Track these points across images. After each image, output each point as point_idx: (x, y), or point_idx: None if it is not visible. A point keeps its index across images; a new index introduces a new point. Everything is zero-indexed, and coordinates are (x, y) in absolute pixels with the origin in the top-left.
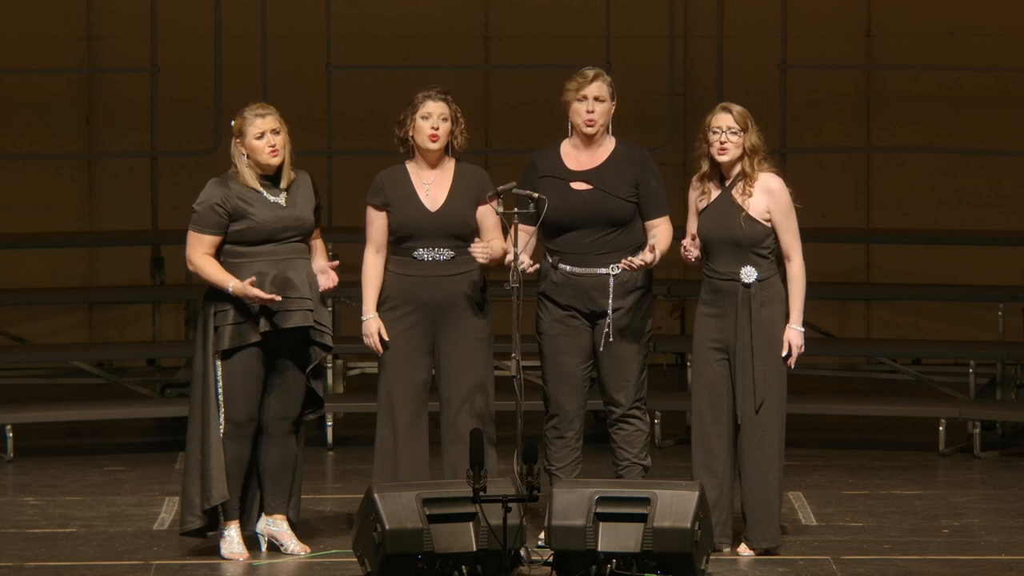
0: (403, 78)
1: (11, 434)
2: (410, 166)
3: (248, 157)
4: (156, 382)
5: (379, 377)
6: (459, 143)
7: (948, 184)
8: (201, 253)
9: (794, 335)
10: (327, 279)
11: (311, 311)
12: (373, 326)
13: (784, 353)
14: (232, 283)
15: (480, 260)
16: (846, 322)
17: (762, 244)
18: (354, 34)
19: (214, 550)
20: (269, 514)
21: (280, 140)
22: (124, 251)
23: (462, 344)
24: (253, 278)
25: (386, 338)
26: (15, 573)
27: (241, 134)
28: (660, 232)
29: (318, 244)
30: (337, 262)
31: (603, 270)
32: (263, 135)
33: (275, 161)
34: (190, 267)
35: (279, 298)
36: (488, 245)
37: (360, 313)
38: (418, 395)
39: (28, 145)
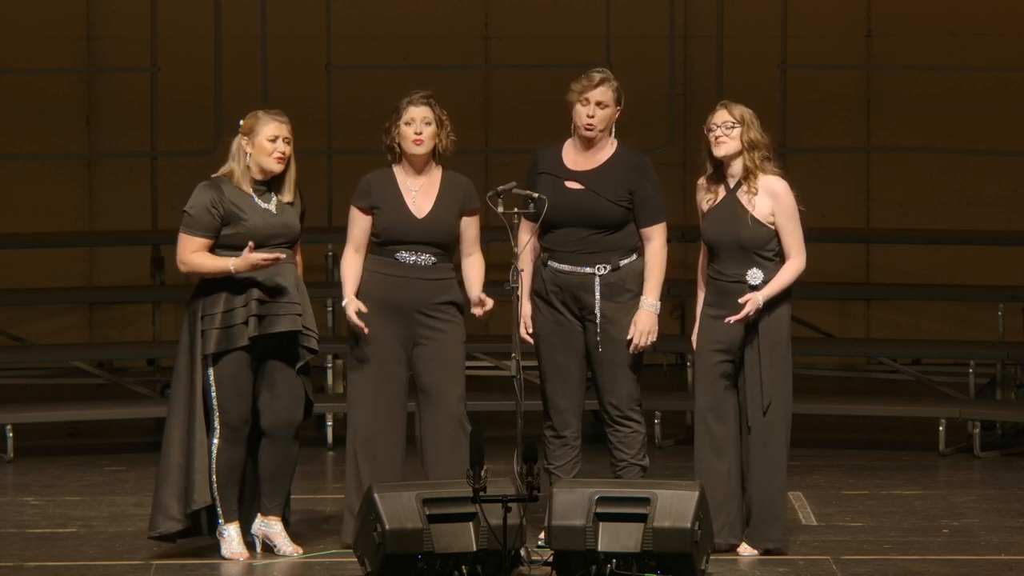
0: (403, 78)
1: (11, 434)
2: (397, 170)
3: (250, 157)
4: (156, 382)
5: (351, 377)
6: (444, 146)
7: (948, 184)
8: (191, 251)
9: (753, 298)
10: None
11: (299, 315)
12: (352, 308)
13: (741, 301)
14: (232, 263)
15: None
16: (846, 322)
17: (767, 247)
18: (354, 34)
19: (214, 550)
20: (264, 515)
21: (289, 151)
22: (124, 251)
23: (439, 346)
24: (251, 243)
25: (364, 310)
26: (15, 573)
27: (252, 132)
28: (649, 281)
29: (297, 260)
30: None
31: (589, 269)
32: (276, 139)
33: (277, 168)
34: (182, 267)
35: (282, 256)
36: (485, 308)
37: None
38: (395, 395)
39: (28, 145)
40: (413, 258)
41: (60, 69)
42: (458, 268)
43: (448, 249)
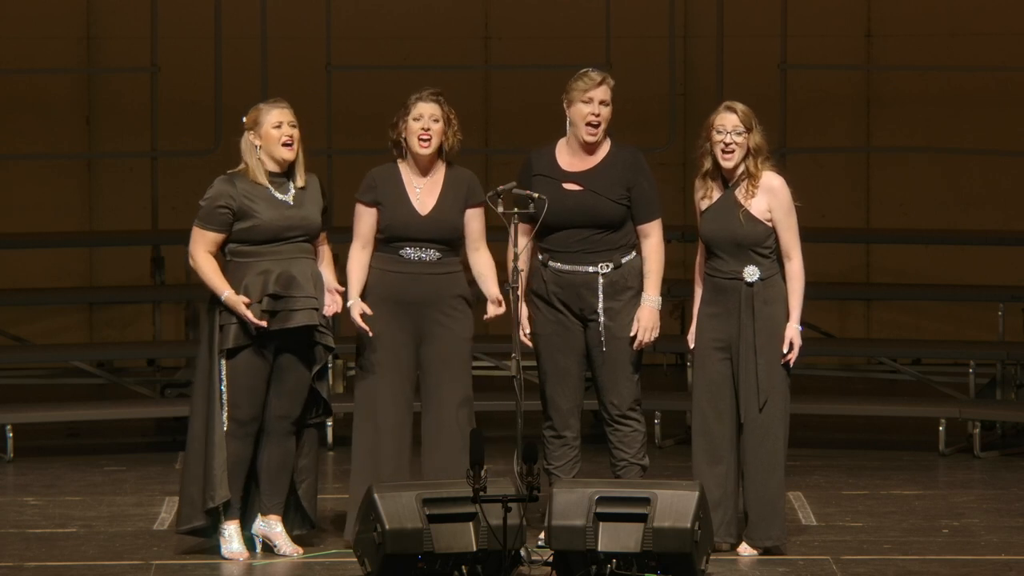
0: (403, 78)
1: (11, 434)
2: (402, 166)
3: (261, 149)
4: (156, 382)
5: (358, 375)
6: (450, 144)
7: (948, 184)
8: (203, 251)
9: (795, 333)
10: (332, 303)
11: (316, 310)
12: (356, 310)
13: (785, 349)
14: (226, 292)
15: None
16: (846, 322)
17: (764, 243)
18: (354, 34)
19: (214, 550)
20: (264, 514)
21: (296, 134)
22: (124, 251)
23: (446, 343)
24: (246, 299)
25: (368, 312)
26: (15, 573)
27: (256, 124)
28: (649, 277)
29: (325, 251)
30: (343, 288)
31: (591, 268)
32: (280, 125)
33: (288, 155)
34: (191, 262)
35: (264, 324)
36: (498, 310)
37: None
38: (402, 394)
39: (28, 145)
40: (418, 254)
41: (60, 69)
42: (465, 264)
43: (453, 245)
